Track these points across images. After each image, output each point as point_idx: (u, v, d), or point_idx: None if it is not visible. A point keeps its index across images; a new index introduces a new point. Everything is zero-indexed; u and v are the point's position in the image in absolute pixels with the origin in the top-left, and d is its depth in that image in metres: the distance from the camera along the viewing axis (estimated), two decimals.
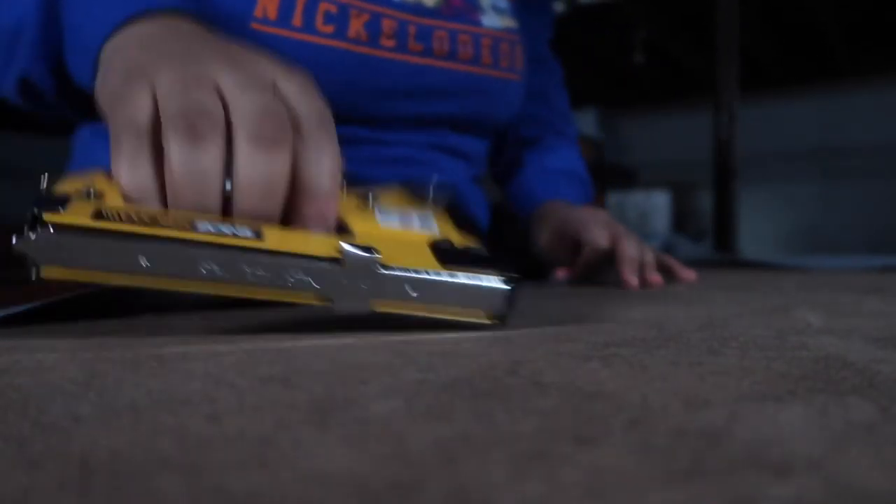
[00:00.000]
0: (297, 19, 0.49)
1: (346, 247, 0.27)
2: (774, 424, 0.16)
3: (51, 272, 0.25)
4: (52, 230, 0.24)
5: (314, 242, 0.28)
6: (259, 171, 0.28)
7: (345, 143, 0.32)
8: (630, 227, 0.66)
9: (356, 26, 0.51)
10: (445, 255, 0.30)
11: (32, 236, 0.24)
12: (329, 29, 0.50)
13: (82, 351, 0.26)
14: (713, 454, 0.14)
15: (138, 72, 0.31)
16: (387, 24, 0.53)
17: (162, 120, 0.28)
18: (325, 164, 0.30)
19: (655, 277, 0.60)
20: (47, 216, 0.24)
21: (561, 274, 0.67)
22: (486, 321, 0.30)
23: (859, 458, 0.13)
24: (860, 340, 0.27)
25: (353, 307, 0.29)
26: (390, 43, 0.53)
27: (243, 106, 0.29)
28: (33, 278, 0.25)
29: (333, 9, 0.50)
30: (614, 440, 0.15)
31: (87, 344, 0.27)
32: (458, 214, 0.35)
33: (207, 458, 0.14)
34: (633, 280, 0.59)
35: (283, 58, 0.33)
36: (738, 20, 1.73)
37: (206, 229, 0.26)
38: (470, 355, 0.25)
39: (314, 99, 0.31)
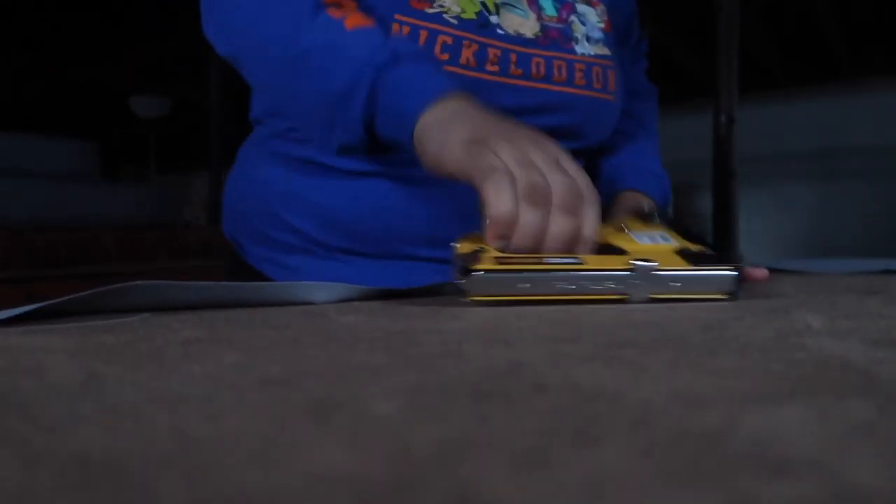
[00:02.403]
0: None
1: (635, 262, 0.43)
2: (774, 425, 0.16)
3: (477, 297, 0.42)
4: (481, 273, 0.42)
5: (614, 261, 0.44)
6: (563, 227, 0.45)
7: None
8: None
9: (467, 54, 0.61)
10: (689, 257, 0.46)
11: (470, 278, 0.41)
12: (445, 56, 0.60)
13: (82, 351, 0.26)
14: (713, 455, 0.14)
15: (481, 144, 0.47)
16: (492, 53, 0.62)
17: (520, 197, 0.44)
18: (592, 220, 0.46)
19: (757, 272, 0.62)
20: (475, 266, 0.42)
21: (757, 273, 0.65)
22: (724, 297, 0.44)
23: (859, 458, 0.13)
24: (860, 342, 0.27)
25: (641, 297, 0.43)
26: (494, 68, 0.62)
27: (555, 184, 0.45)
28: (469, 300, 0.42)
29: (449, 40, 0.60)
30: (615, 441, 0.15)
31: (87, 344, 0.27)
32: (678, 228, 0.53)
33: (207, 459, 0.13)
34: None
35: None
36: (739, 21, 1.73)
37: (554, 262, 0.43)
38: (470, 356, 0.25)
39: (582, 173, 0.47)
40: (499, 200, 0.44)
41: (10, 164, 3.21)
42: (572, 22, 0.68)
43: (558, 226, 0.44)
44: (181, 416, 0.17)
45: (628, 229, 0.51)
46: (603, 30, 0.71)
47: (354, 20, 0.55)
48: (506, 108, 0.61)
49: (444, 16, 0.60)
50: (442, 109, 0.51)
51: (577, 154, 0.70)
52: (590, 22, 0.70)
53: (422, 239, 0.64)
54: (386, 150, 0.56)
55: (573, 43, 0.67)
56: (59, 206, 3.14)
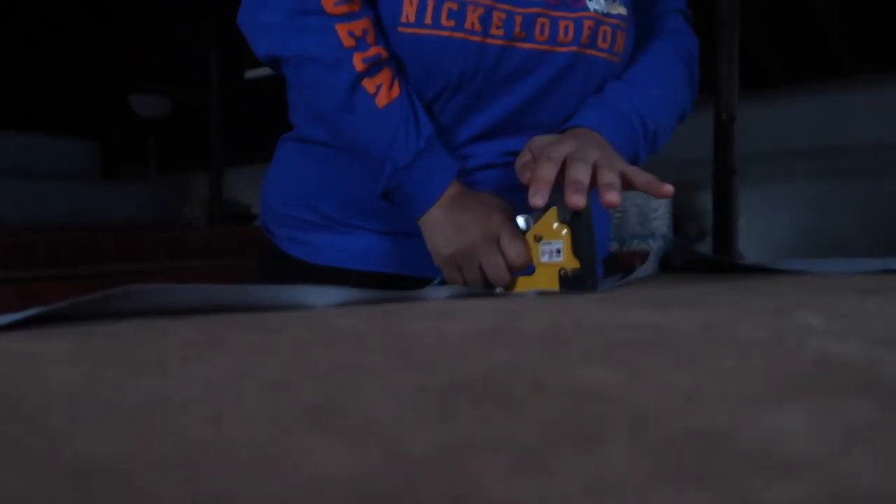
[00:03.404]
0: (428, 18, 0.63)
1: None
2: (775, 425, 0.16)
3: None
4: None
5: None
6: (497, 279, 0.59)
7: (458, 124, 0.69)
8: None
9: (472, 19, 0.63)
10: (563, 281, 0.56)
11: None
12: (451, 23, 0.63)
13: (82, 355, 0.26)
14: (714, 455, 0.14)
15: (466, 254, 0.61)
16: (496, 16, 0.64)
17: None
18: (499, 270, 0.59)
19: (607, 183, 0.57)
20: None
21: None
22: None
23: (860, 458, 0.13)
24: (860, 342, 0.27)
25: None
26: (499, 32, 0.64)
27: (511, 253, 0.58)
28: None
29: (455, 6, 0.63)
30: (614, 442, 0.15)
31: (86, 347, 0.27)
32: (583, 238, 0.57)
33: (207, 462, 0.13)
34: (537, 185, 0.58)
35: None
36: (739, 20, 1.73)
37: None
38: (470, 358, 0.25)
39: (513, 245, 0.58)
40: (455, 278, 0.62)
41: (10, 164, 3.21)
42: None
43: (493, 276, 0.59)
44: (181, 420, 0.17)
45: (539, 240, 0.58)
46: None
47: (384, 97, 0.63)
48: (507, 72, 0.66)
49: None
50: (440, 206, 0.63)
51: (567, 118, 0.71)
52: None
53: None
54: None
55: (584, 1, 0.67)
56: (59, 206, 3.14)
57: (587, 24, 0.66)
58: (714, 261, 0.78)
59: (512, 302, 0.44)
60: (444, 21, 0.63)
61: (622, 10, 0.70)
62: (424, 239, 0.65)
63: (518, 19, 0.64)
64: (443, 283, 0.58)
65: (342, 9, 0.63)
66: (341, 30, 0.62)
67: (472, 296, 0.53)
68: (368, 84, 0.63)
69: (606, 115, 0.68)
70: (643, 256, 0.68)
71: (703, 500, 0.12)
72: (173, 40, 4.60)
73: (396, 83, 0.64)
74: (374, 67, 0.63)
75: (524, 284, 0.59)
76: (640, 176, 0.57)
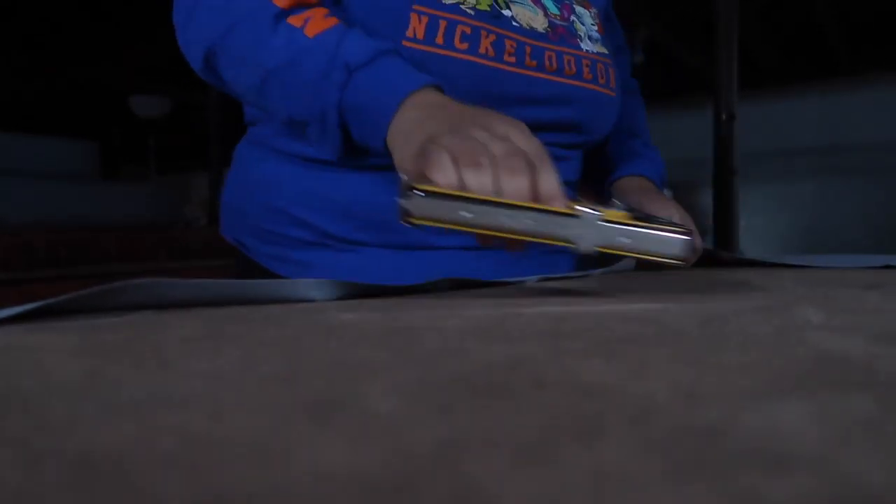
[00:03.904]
0: (440, 38, 0.60)
1: (579, 207, 0.41)
2: (775, 421, 0.16)
3: (416, 221, 0.40)
4: (420, 194, 0.40)
5: (564, 209, 0.42)
6: (515, 186, 0.43)
7: None
8: None
9: (485, 44, 0.62)
10: (643, 219, 0.43)
11: (411, 198, 0.40)
12: (464, 46, 0.61)
13: (83, 350, 0.26)
14: (714, 451, 0.14)
15: (437, 141, 0.46)
16: (509, 44, 0.63)
17: (460, 165, 0.44)
18: (550, 180, 0.44)
19: None
20: (419, 186, 0.40)
21: None
22: (675, 262, 0.42)
23: (859, 453, 0.13)
24: (860, 337, 0.27)
25: (587, 248, 0.42)
26: (511, 59, 0.64)
27: (498, 153, 0.44)
28: (403, 222, 0.41)
29: (468, 30, 0.61)
30: (615, 437, 0.15)
31: (87, 342, 0.27)
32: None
33: (208, 457, 0.13)
34: None
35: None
36: (738, 19, 1.73)
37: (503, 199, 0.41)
38: (470, 352, 0.25)
39: (533, 140, 0.47)
40: (441, 174, 0.43)
41: (10, 164, 3.21)
42: (574, 21, 0.71)
43: (511, 185, 0.43)
44: (182, 415, 0.17)
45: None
46: (598, 31, 0.74)
47: (315, 26, 0.54)
48: (520, 98, 0.65)
49: (461, 6, 0.61)
50: (404, 117, 0.52)
51: (577, 146, 0.73)
52: (587, 23, 0.73)
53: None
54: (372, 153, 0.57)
55: (578, 40, 0.69)
56: (59, 206, 3.14)
57: (585, 62, 0.69)
58: (715, 255, 0.78)
59: (511, 296, 0.44)
60: (457, 43, 0.60)
61: (605, 51, 0.73)
62: (396, 156, 0.51)
63: (528, 49, 0.64)
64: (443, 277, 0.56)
65: None
66: None
67: (474, 288, 0.53)
68: (293, 20, 0.55)
69: (650, 164, 0.79)
70: None
71: (702, 495, 0.12)
72: (173, 40, 4.61)
73: (333, 18, 0.56)
74: (298, 6, 0.56)
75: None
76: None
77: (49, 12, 4.13)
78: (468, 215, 0.40)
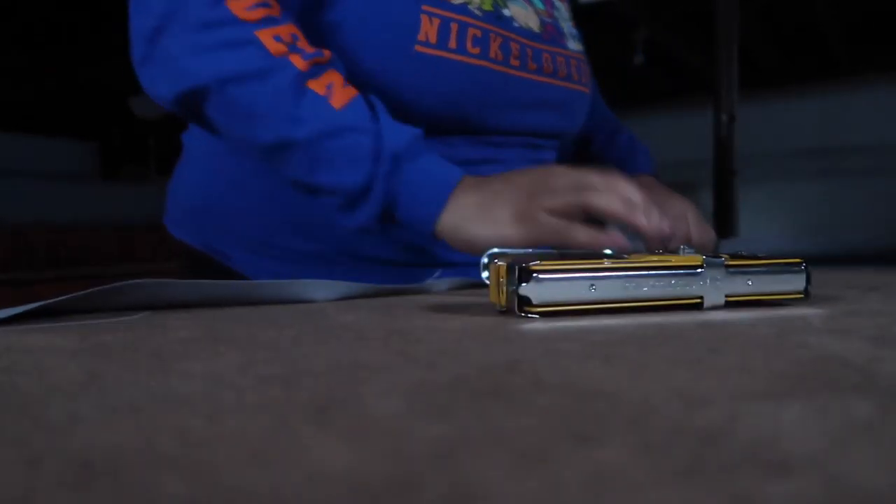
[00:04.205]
0: (453, 42, 0.59)
1: (705, 257, 0.38)
2: (774, 423, 0.16)
3: (536, 310, 0.35)
4: (544, 276, 0.35)
5: (679, 259, 0.39)
6: (655, 222, 0.50)
7: (463, 161, 0.57)
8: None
9: (494, 48, 0.61)
10: (752, 258, 0.41)
11: (533, 282, 0.35)
12: (476, 51, 0.60)
13: (82, 350, 0.26)
14: (713, 453, 0.14)
15: (528, 213, 0.50)
16: (514, 47, 0.63)
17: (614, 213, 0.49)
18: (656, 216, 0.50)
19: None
20: (534, 266, 0.35)
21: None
22: (800, 296, 0.40)
23: (859, 456, 0.13)
24: (860, 339, 0.27)
25: (715, 301, 0.38)
26: (516, 63, 0.63)
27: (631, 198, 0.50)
28: (523, 315, 0.35)
29: (479, 33, 0.60)
30: (614, 439, 0.15)
31: (86, 343, 0.27)
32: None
33: (207, 457, 0.14)
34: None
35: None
36: (738, 20, 1.73)
37: (616, 262, 0.38)
38: (470, 354, 0.25)
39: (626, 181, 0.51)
40: (646, 222, 0.49)
41: (10, 164, 3.21)
42: (557, 18, 0.71)
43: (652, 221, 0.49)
44: (181, 416, 0.17)
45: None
46: (573, 27, 0.75)
47: (339, 96, 0.52)
48: (526, 101, 0.65)
49: (469, 6, 0.60)
50: (457, 211, 0.52)
51: (555, 137, 0.74)
52: (563, 17, 0.73)
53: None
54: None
55: (565, 39, 0.70)
56: (59, 206, 3.14)
57: (572, 62, 0.70)
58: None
59: None
60: (469, 48, 0.59)
61: (581, 48, 0.75)
62: (459, 246, 0.53)
63: (529, 52, 0.64)
64: (442, 276, 0.56)
65: (259, 13, 0.52)
66: (264, 36, 0.51)
67: (474, 288, 0.53)
68: (315, 85, 0.52)
69: (644, 158, 0.83)
70: None
71: (701, 497, 0.12)
72: None
73: (351, 87, 0.54)
74: (316, 67, 0.53)
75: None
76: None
77: (49, 12, 4.13)
78: (592, 289, 0.36)
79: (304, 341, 0.28)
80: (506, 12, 0.63)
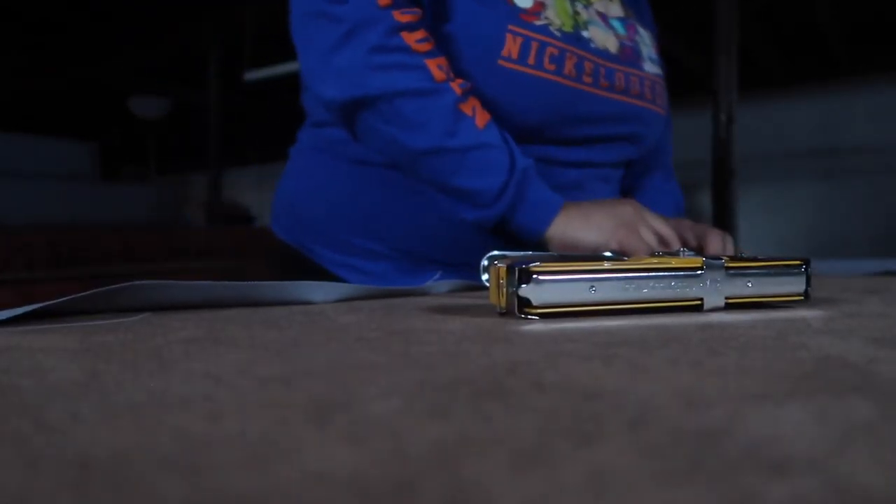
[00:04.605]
0: (532, 59, 0.66)
1: (705, 259, 0.39)
2: (774, 424, 0.16)
3: (535, 311, 0.36)
4: (539, 278, 0.36)
5: (682, 262, 0.40)
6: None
7: (540, 161, 0.67)
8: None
9: (569, 66, 0.68)
10: (750, 260, 0.41)
11: (533, 283, 0.36)
12: (552, 67, 0.66)
13: (82, 351, 0.26)
14: (713, 454, 0.14)
15: (629, 225, 0.61)
16: (587, 65, 0.69)
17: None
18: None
19: None
20: (534, 268, 0.36)
21: None
22: (800, 297, 0.41)
23: (859, 457, 0.13)
24: (860, 341, 0.27)
25: (715, 303, 0.39)
26: (589, 80, 0.69)
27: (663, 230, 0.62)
28: (522, 316, 0.36)
29: (556, 52, 0.67)
30: (614, 440, 0.15)
31: (87, 344, 0.27)
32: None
33: (207, 458, 0.14)
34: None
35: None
36: (737, 20, 1.73)
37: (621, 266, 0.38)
38: (470, 356, 0.25)
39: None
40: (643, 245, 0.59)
41: (10, 164, 3.21)
42: (638, 42, 0.77)
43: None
44: (181, 416, 0.17)
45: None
46: (655, 53, 0.81)
47: (480, 117, 0.64)
48: (595, 115, 0.71)
49: (550, 28, 0.67)
50: (565, 220, 0.63)
51: (624, 163, 0.82)
52: (647, 44, 0.79)
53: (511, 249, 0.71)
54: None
55: (642, 62, 0.76)
56: (59, 206, 3.14)
57: (646, 83, 0.75)
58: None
59: None
60: (546, 64, 0.66)
61: (660, 72, 0.80)
62: (565, 249, 0.63)
63: (602, 71, 0.70)
64: (443, 279, 0.57)
65: (426, 46, 0.64)
66: (431, 64, 0.63)
67: (473, 290, 0.53)
68: (464, 108, 0.64)
69: (671, 200, 0.87)
70: None
71: (701, 498, 0.12)
72: (173, 40, 4.61)
73: (486, 110, 0.65)
74: (466, 93, 0.64)
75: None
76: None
77: (49, 12, 4.13)
78: (592, 290, 0.36)
79: (304, 342, 0.28)
80: (584, 34, 0.70)
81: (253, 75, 3.98)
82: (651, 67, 0.77)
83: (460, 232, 0.68)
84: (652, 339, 0.28)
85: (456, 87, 0.64)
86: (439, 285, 0.52)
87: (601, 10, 0.74)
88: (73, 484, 0.12)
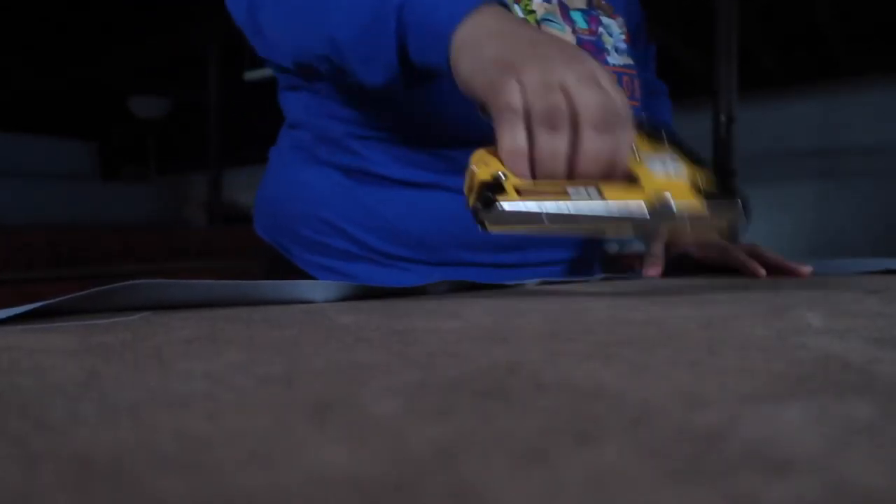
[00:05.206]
0: None
1: (657, 203, 0.42)
2: (774, 424, 0.16)
3: (494, 229, 0.41)
4: (501, 206, 0.40)
5: (632, 194, 0.43)
6: (598, 147, 0.42)
7: None
8: None
9: None
10: (702, 193, 0.44)
11: (493, 211, 0.40)
12: None
13: (82, 350, 0.26)
14: (713, 454, 0.14)
15: (507, 69, 0.43)
16: None
17: (531, 113, 0.42)
18: (626, 143, 0.44)
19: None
20: (500, 198, 0.41)
21: (652, 272, 0.70)
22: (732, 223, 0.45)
23: (859, 457, 0.13)
24: (860, 341, 0.27)
25: (653, 229, 0.43)
26: None
27: (586, 102, 0.42)
28: (484, 231, 0.41)
29: None
30: (614, 440, 0.15)
31: (86, 343, 0.27)
32: (683, 148, 0.48)
33: (207, 458, 0.13)
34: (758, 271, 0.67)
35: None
36: (738, 20, 1.73)
37: (575, 192, 0.42)
38: (470, 355, 0.25)
39: (619, 90, 0.44)
40: (509, 137, 0.42)
41: (10, 164, 3.21)
42: (601, 34, 0.72)
43: (593, 145, 0.42)
44: (181, 416, 0.17)
45: (637, 151, 0.46)
46: (624, 41, 0.76)
47: None
48: None
49: None
50: (475, 25, 0.47)
51: None
52: (614, 33, 0.74)
53: (484, 245, 0.67)
54: (426, 80, 0.54)
55: (605, 54, 0.71)
56: (59, 206, 3.14)
57: (625, 79, 0.71)
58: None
59: (511, 299, 0.44)
60: None
61: (630, 61, 0.74)
62: (457, 80, 0.47)
63: None
64: (443, 279, 0.57)
65: None
66: None
67: (473, 290, 0.53)
68: None
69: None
70: (643, 258, 0.69)
71: (701, 498, 0.12)
72: (173, 40, 4.61)
73: None
74: None
75: (653, 183, 0.44)
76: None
77: (49, 12, 4.13)
78: (545, 221, 0.41)
79: (303, 342, 0.28)
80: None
81: (253, 75, 3.98)
82: (617, 59, 0.72)
83: (434, 232, 0.66)
84: (652, 338, 0.28)
85: None
86: (439, 285, 0.52)
87: (564, 0, 0.68)
88: (73, 484, 0.12)
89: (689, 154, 0.47)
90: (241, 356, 0.25)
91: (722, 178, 0.46)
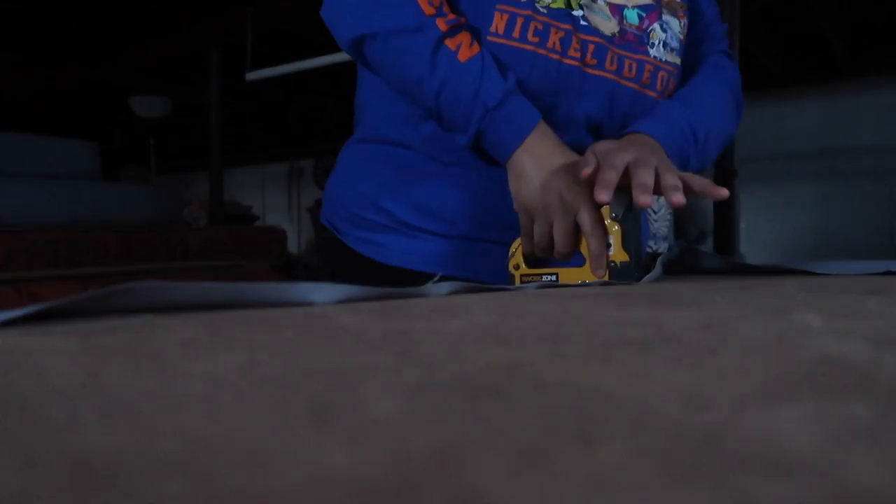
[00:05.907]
0: (516, 32, 0.71)
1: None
2: (774, 425, 0.16)
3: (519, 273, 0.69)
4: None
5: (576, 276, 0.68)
6: (564, 243, 0.68)
7: None
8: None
9: (553, 39, 0.72)
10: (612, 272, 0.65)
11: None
12: (536, 40, 0.71)
13: (82, 352, 0.26)
14: (713, 454, 0.14)
15: (542, 211, 0.68)
16: (574, 40, 0.72)
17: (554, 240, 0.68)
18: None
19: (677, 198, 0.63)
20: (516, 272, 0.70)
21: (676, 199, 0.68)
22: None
23: (859, 458, 0.13)
24: (860, 341, 0.27)
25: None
26: (576, 55, 0.73)
27: (593, 245, 0.65)
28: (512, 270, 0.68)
29: (540, 26, 0.71)
30: (614, 440, 0.15)
31: (87, 344, 0.27)
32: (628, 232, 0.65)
33: (207, 459, 0.13)
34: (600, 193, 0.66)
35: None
36: (739, 20, 1.73)
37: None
38: (469, 356, 0.25)
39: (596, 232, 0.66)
40: (526, 240, 0.71)
41: (10, 164, 3.20)
42: (652, 30, 0.78)
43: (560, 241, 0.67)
44: (181, 417, 0.17)
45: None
46: (680, 41, 0.81)
47: (465, 52, 0.69)
48: (578, 91, 0.74)
49: (536, 4, 0.71)
50: (526, 150, 0.69)
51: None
52: (671, 31, 0.80)
53: (502, 224, 0.77)
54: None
55: (647, 47, 0.77)
56: (59, 206, 3.13)
57: (647, 67, 0.77)
58: (718, 262, 0.78)
59: (511, 300, 0.44)
60: (529, 37, 0.71)
61: (676, 60, 0.80)
62: (510, 181, 0.71)
63: (591, 48, 0.73)
64: (443, 279, 0.58)
65: None
66: (422, 1, 0.69)
67: (473, 292, 0.53)
68: (450, 43, 0.69)
69: (660, 124, 0.75)
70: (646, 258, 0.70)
71: (701, 499, 0.12)
72: (173, 40, 4.61)
73: (476, 43, 0.70)
74: (454, 29, 0.69)
75: (572, 275, 0.66)
76: (696, 180, 0.65)
77: (49, 12, 4.13)
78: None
79: (303, 343, 0.28)
80: (576, 13, 0.73)
81: (253, 75, 3.98)
82: (660, 53, 0.78)
83: (454, 204, 0.77)
84: (651, 339, 0.28)
85: (442, 23, 0.69)
86: (439, 286, 0.52)
87: (616, 1, 0.76)
88: (73, 486, 0.12)
89: (629, 240, 0.64)
90: (240, 358, 0.25)
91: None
